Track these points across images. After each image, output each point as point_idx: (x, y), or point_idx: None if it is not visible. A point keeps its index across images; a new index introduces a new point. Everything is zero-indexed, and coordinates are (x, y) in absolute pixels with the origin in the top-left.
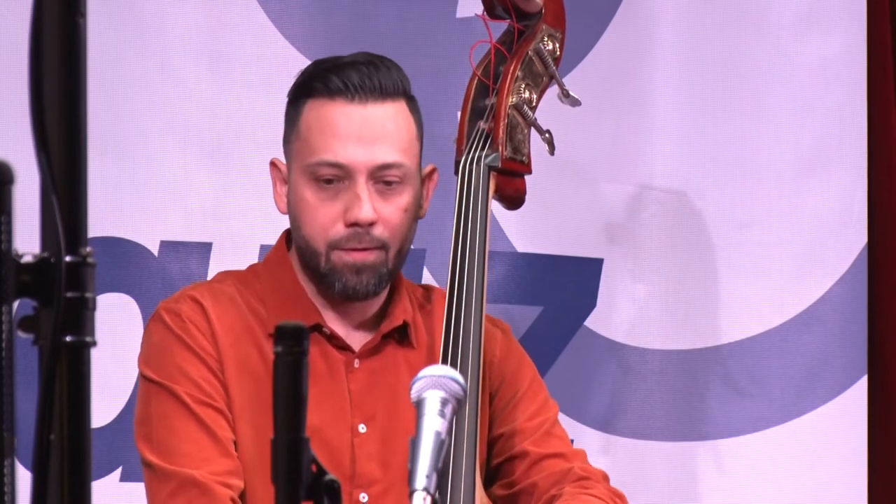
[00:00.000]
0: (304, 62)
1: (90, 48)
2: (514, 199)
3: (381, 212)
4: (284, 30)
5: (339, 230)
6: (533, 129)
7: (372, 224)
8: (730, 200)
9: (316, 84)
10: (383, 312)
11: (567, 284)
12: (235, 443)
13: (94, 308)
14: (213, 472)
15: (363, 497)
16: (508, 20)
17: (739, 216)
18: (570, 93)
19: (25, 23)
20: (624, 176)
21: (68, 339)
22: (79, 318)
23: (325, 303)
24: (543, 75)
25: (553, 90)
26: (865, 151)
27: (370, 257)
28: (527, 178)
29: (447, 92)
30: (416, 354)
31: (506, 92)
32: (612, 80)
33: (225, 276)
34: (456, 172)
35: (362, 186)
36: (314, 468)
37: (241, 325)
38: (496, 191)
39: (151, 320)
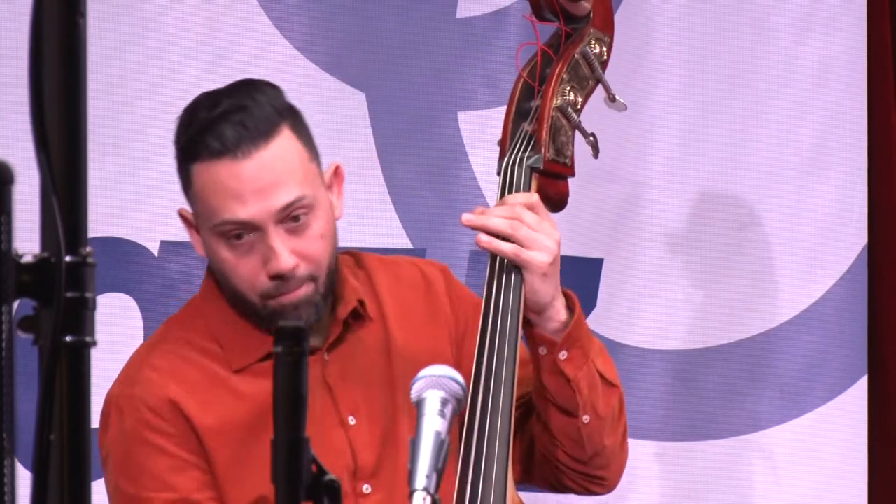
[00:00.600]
0: (304, 62)
1: (90, 48)
2: (556, 201)
3: (299, 250)
4: (284, 30)
5: (264, 282)
6: (577, 132)
7: (294, 268)
8: (730, 200)
9: (196, 147)
10: (332, 300)
11: (567, 284)
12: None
13: (94, 308)
14: None
15: (366, 488)
16: (556, 23)
17: (739, 216)
18: (617, 97)
19: (25, 23)
20: (624, 175)
21: (68, 339)
22: (79, 318)
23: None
24: (590, 79)
25: (599, 94)
26: (865, 151)
27: (303, 293)
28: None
29: (447, 92)
30: (374, 326)
31: (551, 94)
32: (611, 80)
33: (168, 328)
34: (498, 173)
35: (273, 236)
36: (314, 468)
37: (204, 377)
38: (538, 192)
39: (108, 411)
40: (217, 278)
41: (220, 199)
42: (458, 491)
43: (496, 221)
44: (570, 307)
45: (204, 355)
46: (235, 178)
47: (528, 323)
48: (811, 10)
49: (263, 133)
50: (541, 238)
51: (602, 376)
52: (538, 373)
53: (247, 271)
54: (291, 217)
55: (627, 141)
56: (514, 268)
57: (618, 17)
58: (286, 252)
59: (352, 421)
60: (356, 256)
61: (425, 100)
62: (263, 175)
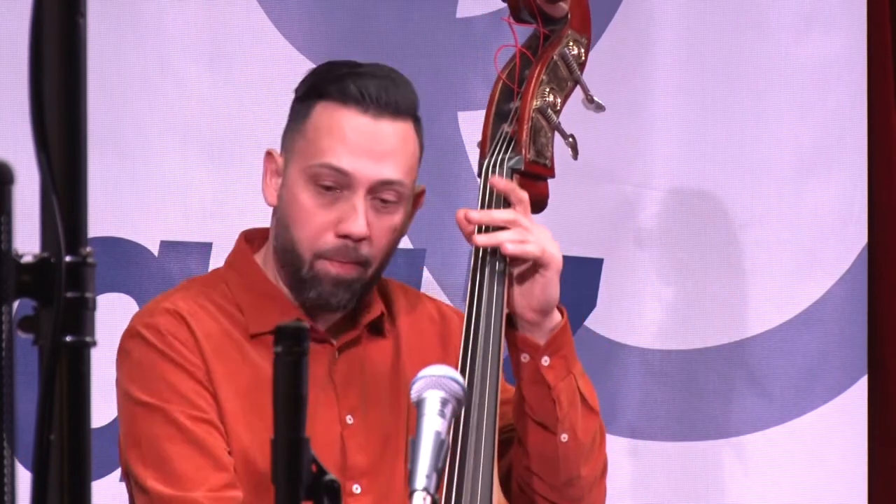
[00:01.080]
0: (304, 62)
1: (90, 48)
2: (536, 202)
3: (373, 228)
4: (284, 30)
5: (329, 240)
6: (557, 134)
7: (362, 240)
8: (730, 200)
9: (330, 87)
10: (357, 306)
11: (567, 284)
12: (230, 452)
13: (94, 308)
14: (211, 489)
15: (356, 488)
16: (534, 25)
17: (739, 216)
18: (595, 98)
19: (25, 22)
20: (624, 176)
21: (68, 339)
22: (79, 319)
23: (303, 301)
24: (568, 80)
25: (577, 95)
26: (865, 151)
27: (352, 273)
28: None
29: (447, 92)
30: (386, 344)
31: (530, 96)
32: (612, 81)
33: (191, 283)
34: (479, 174)
35: (360, 199)
36: (314, 468)
37: (220, 332)
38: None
39: (128, 338)
40: (274, 233)
41: (332, 142)
42: (445, 498)
43: (501, 218)
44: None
45: (222, 314)
46: (357, 130)
47: (514, 328)
48: (811, 10)
49: (401, 108)
50: (547, 236)
51: (583, 396)
52: (519, 385)
53: (318, 223)
54: (382, 198)
55: (627, 141)
56: (497, 276)
57: (617, 18)
58: (364, 219)
59: (349, 420)
60: (381, 282)
61: (425, 100)
62: (383, 142)
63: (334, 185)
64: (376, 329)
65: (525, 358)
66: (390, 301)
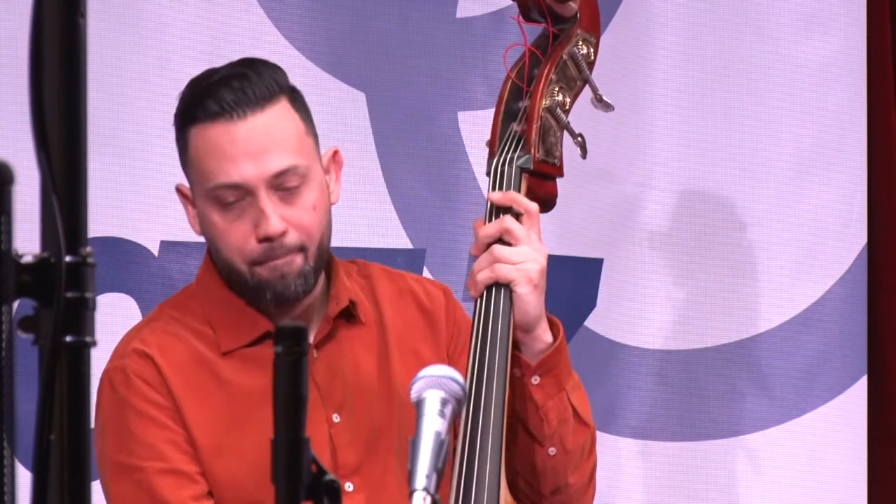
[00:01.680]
0: (304, 62)
1: (90, 48)
2: (545, 202)
3: (289, 218)
4: (284, 30)
5: (254, 247)
6: (566, 133)
7: (283, 234)
8: (730, 201)
9: (195, 111)
10: (325, 298)
11: (567, 284)
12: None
13: (94, 308)
14: None
15: (348, 486)
16: (543, 24)
17: (740, 216)
18: (604, 98)
19: (25, 22)
20: (624, 176)
21: (68, 339)
22: (79, 319)
23: (267, 308)
24: (577, 79)
25: (586, 94)
26: (865, 151)
27: (291, 261)
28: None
29: (446, 92)
30: (367, 331)
31: (539, 95)
32: (611, 81)
33: (161, 309)
34: (488, 173)
35: (264, 200)
36: (314, 468)
37: (191, 357)
38: (528, 193)
39: (100, 386)
40: (212, 254)
41: (214, 162)
42: (453, 498)
43: (480, 266)
44: (554, 334)
45: (194, 336)
46: (230, 140)
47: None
48: (811, 11)
49: (261, 99)
50: (520, 251)
51: (575, 411)
52: (511, 395)
53: (237, 236)
54: (284, 186)
55: (627, 141)
56: (499, 294)
57: (617, 18)
58: (276, 216)
59: (336, 419)
60: (360, 265)
61: (425, 100)
62: (258, 138)
63: (235, 198)
64: (349, 317)
65: (516, 373)
66: (374, 286)
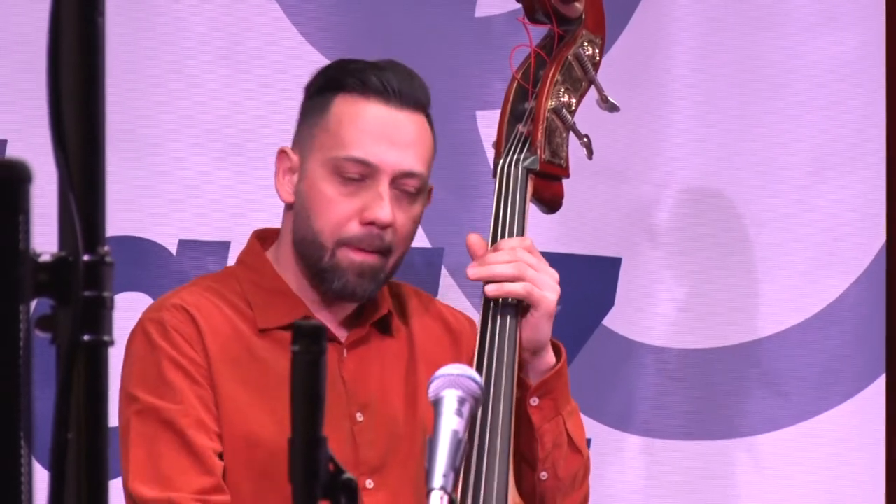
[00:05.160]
0: (322, 60)
1: (108, 47)
2: (551, 203)
3: (396, 217)
4: (302, 27)
5: (353, 228)
6: (572, 134)
7: (387, 227)
8: (747, 199)
9: (350, 79)
10: (364, 304)
11: (585, 283)
12: (222, 455)
13: (111, 307)
14: (195, 492)
15: (369, 483)
16: (549, 25)
17: (757, 215)
18: (609, 98)
19: (43, 22)
20: (641, 175)
21: (86, 338)
22: (96, 318)
23: (310, 297)
24: (583, 80)
25: (592, 95)
26: (884, 150)
27: (375, 261)
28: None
29: (465, 92)
30: (397, 344)
31: (545, 96)
32: (630, 79)
33: (202, 279)
34: (494, 175)
35: (385, 187)
36: (331, 467)
37: (228, 327)
38: (534, 194)
39: (135, 333)
40: (292, 227)
41: (356, 133)
42: (461, 497)
43: (502, 268)
44: (557, 357)
45: (231, 309)
46: (380, 120)
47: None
48: (829, 8)
49: (419, 101)
50: (545, 278)
51: (570, 437)
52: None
53: (343, 211)
54: (405, 188)
55: (645, 140)
56: (510, 308)
57: (635, 17)
58: (390, 206)
59: (359, 417)
60: (392, 284)
61: (443, 98)
62: (405, 133)
63: (359, 176)
64: (384, 327)
65: (517, 393)
66: (403, 303)
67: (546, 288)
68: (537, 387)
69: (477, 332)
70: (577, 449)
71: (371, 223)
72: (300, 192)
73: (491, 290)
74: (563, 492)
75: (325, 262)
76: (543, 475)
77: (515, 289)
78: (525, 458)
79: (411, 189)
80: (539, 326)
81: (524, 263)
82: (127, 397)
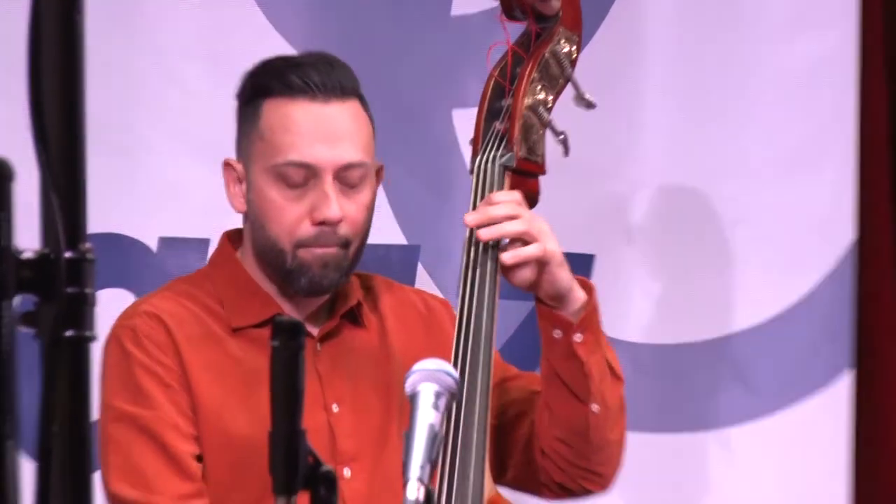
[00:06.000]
0: None
1: (88, 47)
2: (527, 199)
3: (346, 210)
4: (281, 27)
5: (306, 229)
6: (548, 131)
7: (338, 222)
8: (720, 197)
9: (273, 83)
10: (334, 297)
11: None
12: (201, 457)
13: (93, 303)
14: (176, 498)
15: (346, 472)
16: (526, 22)
17: (728, 213)
18: (586, 95)
19: (23, 19)
20: (615, 173)
21: (69, 333)
22: (79, 314)
23: (280, 295)
24: (560, 77)
25: (568, 92)
26: (855, 149)
27: (335, 251)
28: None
29: (442, 90)
30: (368, 335)
31: (522, 93)
32: (604, 79)
33: (175, 283)
34: (471, 172)
35: (329, 185)
36: (311, 459)
37: (200, 329)
38: (510, 187)
39: (108, 341)
40: (251, 236)
41: (289, 138)
42: (438, 487)
43: (509, 223)
44: (587, 292)
45: (204, 311)
46: (311, 119)
47: (545, 305)
48: (802, 9)
49: (347, 89)
50: (545, 229)
51: (611, 367)
52: (550, 359)
53: (292, 216)
54: (349, 181)
55: (619, 139)
56: (493, 273)
57: (609, 17)
58: (337, 203)
59: (335, 408)
60: (362, 277)
61: (420, 97)
62: (337, 125)
63: (302, 179)
64: (354, 319)
65: (557, 334)
66: (374, 295)
67: (548, 239)
68: (579, 324)
69: (450, 313)
70: (618, 376)
71: (322, 223)
72: (250, 201)
73: (508, 259)
74: (613, 419)
75: (288, 264)
76: (595, 407)
77: (529, 251)
78: (576, 396)
79: (355, 179)
80: (556, 278)
81: (524, 224)
82: (104, 406)
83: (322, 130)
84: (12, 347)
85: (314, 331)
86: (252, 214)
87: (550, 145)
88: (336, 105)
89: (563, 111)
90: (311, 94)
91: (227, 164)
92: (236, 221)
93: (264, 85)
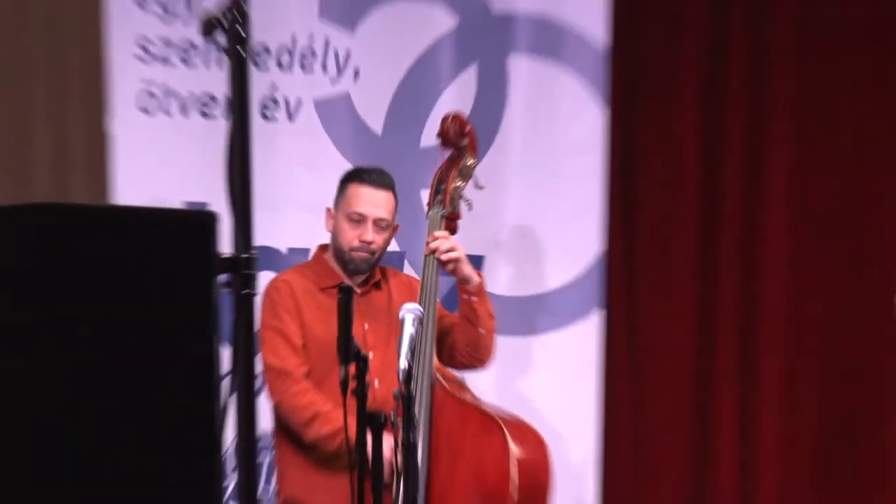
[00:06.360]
0: None
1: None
2: (451, 231)
3: (375, 238)
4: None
5: (356, 244)
6: (462, 200)
7: (371, 242)
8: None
9: (356, 176)
10: (368, 275)
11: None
12: (305, 346)
13: (255, 279)
14: (298, 366)
15: (370, 354)
16: (452, 149)
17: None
18: (479, 183)
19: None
20: (491, 218)
21: (244, 291)
22: (249, 282)
23: (342, 273)
24: (468, 175)
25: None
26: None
27: (368, 255)
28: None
29: (416, 183)
30: (383, 294)
31: (450, 181)
32: (482, 174)
33: (294, 267)
34: (427, 217)
35: (370, 225)
36: (356, 348)
37: (306, 288)
38: (445, 226)
39: (264, 293)
40: (332, 243)
41: (357, 201)
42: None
43: (447, 245)
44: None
45: (308, 280)
46: (368, 196)
47: (460, 283)
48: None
49: (387, 185)
50: (460, 246)
51: (489, 311)
52: (461, 308)
53: (352, 235)
54: (380, 225)
55: (485, 203)
56: (437, 268)
57: (493, 146)
58: (372, 233)
59: (366, 326)
60: (381, 267)
61: (407, 187)
62: (380, 202)
63: (358, 219)
64: (377, 286)
65: (465, 297)
66: (386, 275)
67: (462, 251)
68: (475, 292)
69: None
70: (491, 315)
71: (364, 242)
72: (335, 227)
73: (445, 257)
74: (488, 336)
75: (346, 257)
76: (482, 331)
77: (455, 255)
78: (473, 325)
79: (384, 225)
80: (465, 270)
81: (454, 245)
82: (262, 323)
83: (371, 200)
84: (217, 301)
85: (358, 290)
86: (334, 234)
87: (463, 205)
88: (380, 191)
89: (470, 187)
90: (371, 183)
91: (328, 210)
92: (325, 238)
93: (352, 175)
